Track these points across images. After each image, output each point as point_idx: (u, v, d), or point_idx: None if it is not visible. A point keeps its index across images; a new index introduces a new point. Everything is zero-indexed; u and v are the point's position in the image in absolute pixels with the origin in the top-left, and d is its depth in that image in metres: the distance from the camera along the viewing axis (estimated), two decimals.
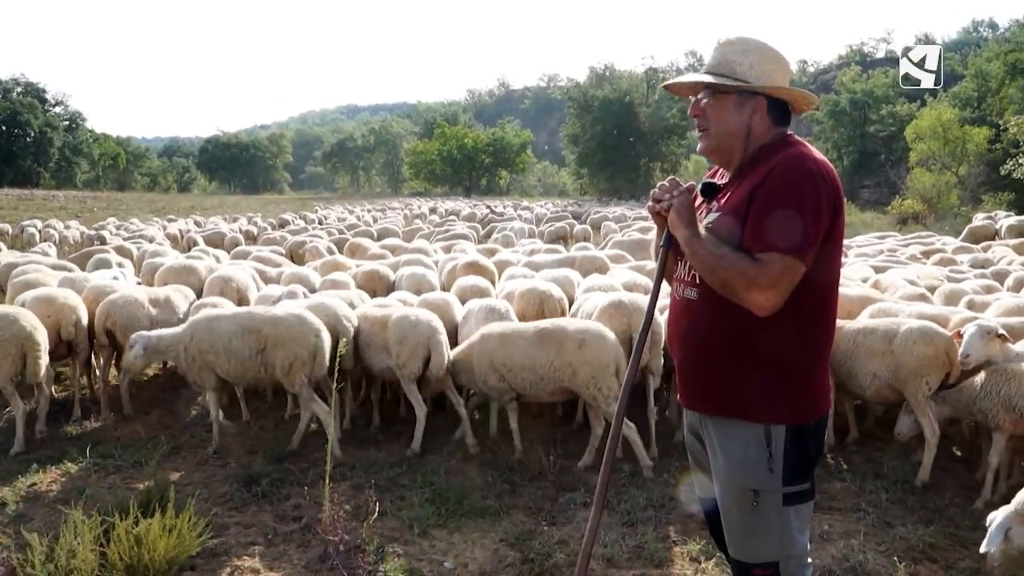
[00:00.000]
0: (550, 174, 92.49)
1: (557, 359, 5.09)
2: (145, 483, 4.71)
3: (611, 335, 5.17)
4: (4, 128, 73.99)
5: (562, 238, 21.27)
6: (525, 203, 43.92)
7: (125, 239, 18.93)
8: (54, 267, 9.30)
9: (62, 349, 6.25)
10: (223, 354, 5.42)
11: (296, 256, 12.97)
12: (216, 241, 19.05)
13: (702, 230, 2.39)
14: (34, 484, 5.02)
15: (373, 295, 7.89)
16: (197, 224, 25.98)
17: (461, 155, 68.37)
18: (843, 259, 10.01)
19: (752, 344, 2.34)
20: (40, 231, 21.11)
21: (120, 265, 10.63)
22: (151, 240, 18.05)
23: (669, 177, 2.65)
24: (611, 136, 53.17)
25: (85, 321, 6.32)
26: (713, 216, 2.46)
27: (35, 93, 78.85)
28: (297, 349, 5.40)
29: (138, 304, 6.40)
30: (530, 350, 5.17)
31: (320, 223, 26.53)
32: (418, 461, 5.38)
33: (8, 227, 23.26)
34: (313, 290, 7.87)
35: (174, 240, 20.15)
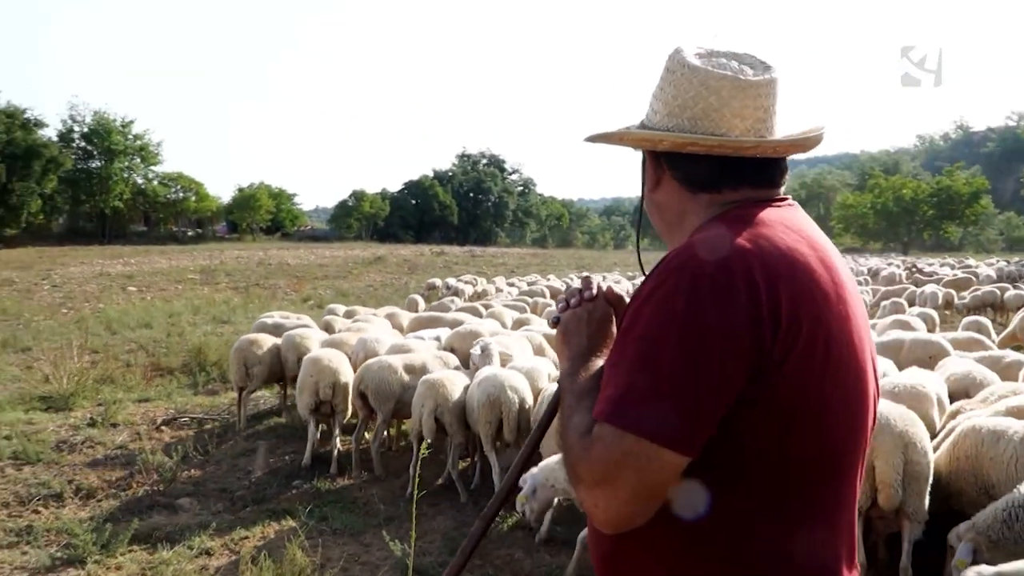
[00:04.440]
0: (1016, 226, 78.97)
1: None
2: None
3: None
4: (471, 195, 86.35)
5: (991, 306, 17.69)
6: (969, 260, 38.05)
7: (516, 295, 20.43)
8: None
9: (325, 407, 6.67)
10: None
11: None
12: None
13: (598, 363, 1.46)
14: (246, 537, 5.32)
15: None
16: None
17: (898, 207, 61.94)
18: None
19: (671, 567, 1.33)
20: (457, 286, 23.67)
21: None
22: (537, 295, 19.12)
23: (584, 274, 1.73)
24: None
25: (346, 382, 6.66)
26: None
27: (496, 163, 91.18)
28: None
29: (391, 370, 6.55)
30: None
31: None
32: None
33: (438, 281, 26.78)
34: None
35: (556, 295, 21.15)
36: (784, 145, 1.41)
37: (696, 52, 1.44)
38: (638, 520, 1.23)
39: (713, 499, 1.26)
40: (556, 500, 5.28)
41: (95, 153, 60.52)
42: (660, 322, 1.22)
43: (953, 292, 18.25)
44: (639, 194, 1.60)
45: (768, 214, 1.35)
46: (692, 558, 1.30)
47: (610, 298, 1.60)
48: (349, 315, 11.79)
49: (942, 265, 32.39)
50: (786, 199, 1.44)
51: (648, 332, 1.23)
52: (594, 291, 1.60)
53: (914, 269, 28.70)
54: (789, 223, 1.36)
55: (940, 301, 16.71)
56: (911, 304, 15.54)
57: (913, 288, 18.77)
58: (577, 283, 1.64)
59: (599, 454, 1.20)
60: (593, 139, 1.58)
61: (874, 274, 28.10)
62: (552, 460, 4.51)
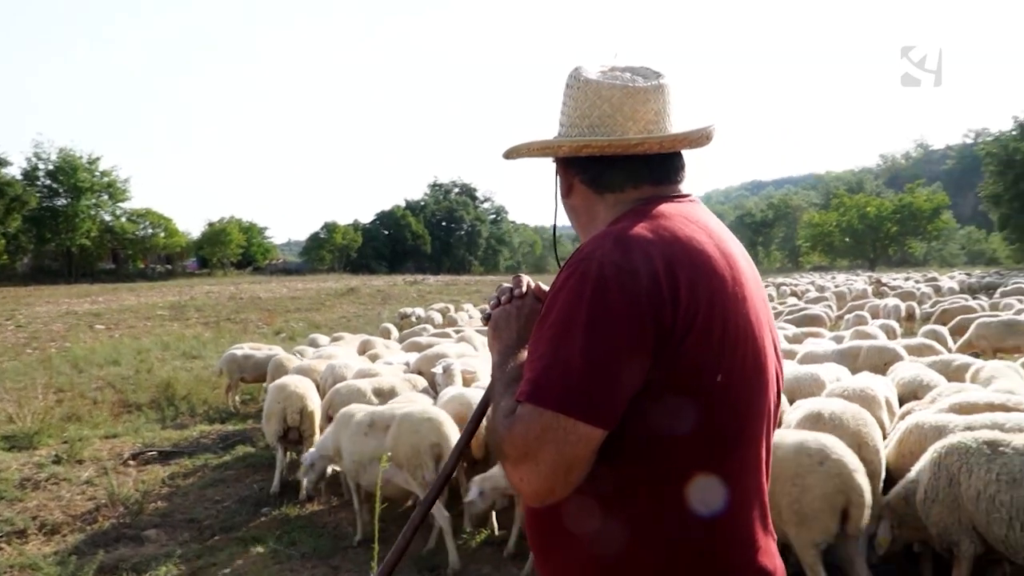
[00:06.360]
0: (976, 240, 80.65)
1: None
2: None
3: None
4: (444, 223, 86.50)
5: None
6: (932, 274, 38.80)
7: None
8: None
9: (293, 434, 6.68)
10: None
11: None
12: None
13: (526, 355, 1.53)
14: (214, 564, 5.32)
15: None
16: None
17: (862, 225, 63.15)
18: None
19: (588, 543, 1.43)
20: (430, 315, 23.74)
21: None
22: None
23: (516, 274, 1.84)
24: None
25: (313, 408, 6.69)
26: None
27: (468, 192, 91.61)
28: None
29: (360, 394, 6.59)
30: None
31: None
32: None
33: (410, 310, 26.80)
34: None
35: None
36: (669, 140, 1.53)
37: (595, 69, 1.58)
38: (559, 492, 1.32)
39: (626, 470, 1.37)
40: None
41: (61, 191, 59.71)
42: (571, 307, 1.33)
43: (915, 305, 18.59)
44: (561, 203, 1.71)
45: (668, 208, 1.48)
46: (610, 529, 1.39)
47: (539, 295, 1.70)
48: (336, 341, 12.16)
49: (906, 279, 33.00)
50: (688, 195, 1.56)
51: (560, 317, 1.34)
52: (523, 289, 1.71)
53: (880, 283, 29.20)
54: (689, 215, 1.48)
55: (903, 313, 17.05)
56: (875, 316, 15.85)
57: (876, 301, 19.15)
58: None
59: (520, 431, 1.30)
60: (506, 154, 1.70)
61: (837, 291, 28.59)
62: (496, 468, 4.95)
